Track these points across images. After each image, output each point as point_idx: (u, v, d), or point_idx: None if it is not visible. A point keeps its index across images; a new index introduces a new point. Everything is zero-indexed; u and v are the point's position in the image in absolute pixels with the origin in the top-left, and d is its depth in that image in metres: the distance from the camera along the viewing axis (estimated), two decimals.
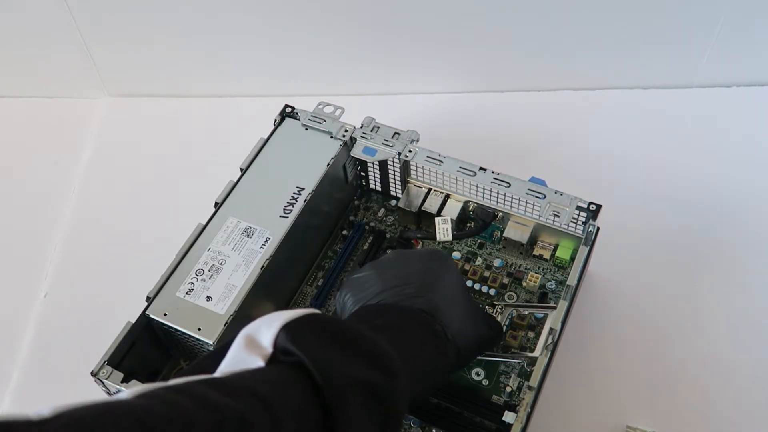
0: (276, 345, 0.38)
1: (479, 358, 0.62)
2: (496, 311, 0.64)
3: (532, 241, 0.68)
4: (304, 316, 0.40)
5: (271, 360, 0.38)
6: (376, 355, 0.40)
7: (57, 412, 0.28)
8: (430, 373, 0.49)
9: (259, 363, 0.38)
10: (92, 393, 0.58)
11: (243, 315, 0.58)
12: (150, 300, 0.59)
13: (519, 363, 0.62)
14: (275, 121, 0.70)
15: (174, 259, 0.61)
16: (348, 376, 0.38)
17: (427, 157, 0.66)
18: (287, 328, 0.39)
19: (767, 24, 0.78)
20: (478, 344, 0.56)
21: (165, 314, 0.58)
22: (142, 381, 0.55)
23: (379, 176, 0.72)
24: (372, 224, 0.73)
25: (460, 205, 0.69)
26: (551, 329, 0.57)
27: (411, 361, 0.45)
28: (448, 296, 0.54)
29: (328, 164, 0.66)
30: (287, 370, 0.38)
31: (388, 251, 0.70)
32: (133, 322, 0.58)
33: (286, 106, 0.70)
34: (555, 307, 0.61)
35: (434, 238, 0.68)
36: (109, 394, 0.58)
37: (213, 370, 0.39)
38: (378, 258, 0.59)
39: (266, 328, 0.39)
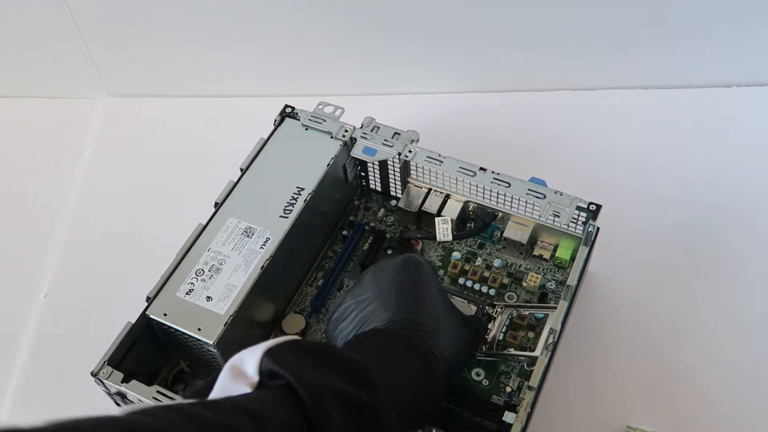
0: (261, 370, 0.40)
1: (479, 358, 0.62)
2: (496, 311, 0.64)
3: (532, 241, 0.68)
4: (284, 341, 0.42)
5: (258, 387, 0.40)
6: (354, 371, 0.42)
7: (50, 423, 0.28)
8: (420, 393, 0.49)
9: (246, 390, 0.40)
10: (92, 393, 0.58)
11: (243, 315, 0.58)
12: (150, 300, 0.59)
13: (519, 363, 0.62)
14: (275, 121, 0.70)
15: (174, 259, 0.61)
16: (327, 389, 0.39)
17: (427, 157, 0.66)
18: (270, 353, 0.40)
19: (767, 24, 0.78)
20: (464, 349, 0.57)
21: (165, 314, 0.57)
22: (143, 381, 0.55)
23: (379, 176, 0.72)
24: (372, 224, 0.73)
25: (460, 205, 0.69)
26: (551, 329, 0.57)
27: (396, 383, 0.45)
28: (428, 310, 0.54)
29: (328, 164, 0.66)
30: (274, 391, 0.39)
31: (388, 251, 0.70)
32: (133, 322, 0.58)
33: (286, 106, 0.70)
34: (555, 307, 0.61)
35: (434, 238, 0.68)
36: (109, 394, 0.58)
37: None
38: (363, 272, 0.59)
39: (249, 357, 0.41)
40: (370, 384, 0.42)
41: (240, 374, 0.40)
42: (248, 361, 0.41)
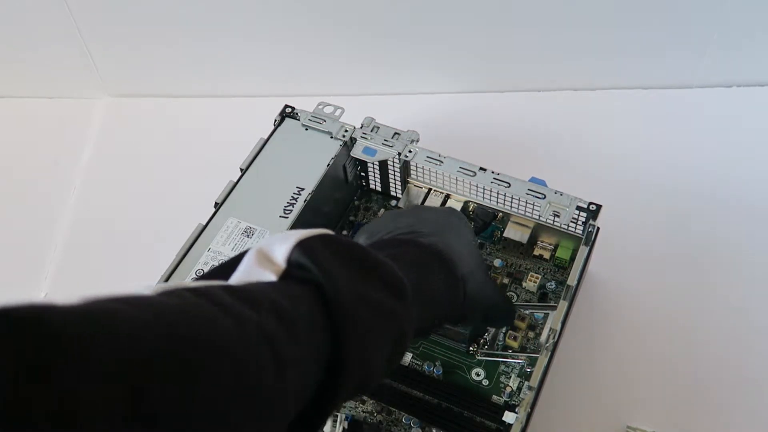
0: (290, 260, 0.38)
1: (479, 358, 0.62)
2: None
3: (532, 241, 0.68)
4: (319, 234, 0.40)
5: (284, 276, 0.38)
6: (388, 279, 0.40)
7: (86, 301, 0.28)
8: (441, 305, 0.49)
9: (271, 278, 0.38)
10: None
11: None
12: None
13: (519, 363, 0.62)
14: (275, 121, 0.70)
15: (174, 259, 0.61)
16: (359, 295, 0.37)
17: (427, 157, 0.66)
18: (302, 245, 0.38)
19: (767, 24, 0.78)
20: (487, 304, 0.54)
21: None
22: None
23: (379, 176, 0.72)
24: None
25: (460, 205, 0.69)
26: (551, 329, 0.57)
27: (423, 290, 0.44)
28: (461, 243, 0.53)
29: (328, 164, 0.66)
30: (301, 285, 0.37)
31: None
32: None
33: (286, 106, 0.71)
34: (555, 307, 0.61)
35: None
36: None
37: (224, 280, 0.38)
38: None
39: (280, 244, 0.38)
40: (402, 296, 0.40)
41: (267, 261, 0.38)
42: (278, 250, 0.38)
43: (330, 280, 0.37)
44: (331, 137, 0.68)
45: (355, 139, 0.67)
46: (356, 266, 0.39)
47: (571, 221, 0.64)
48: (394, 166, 0.70)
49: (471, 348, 0.63)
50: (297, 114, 0.70)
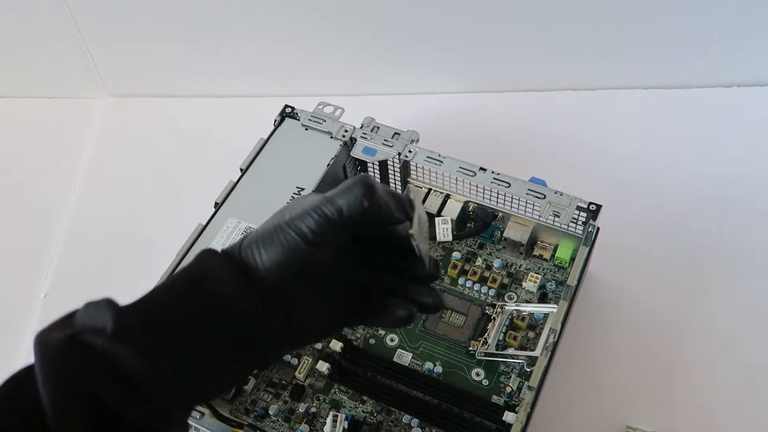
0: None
1: (479, 357, 0.62)
2: (496, 311, 0.64)
3: (532, 241, 0.68)
4: (59, 318, 0.42)
5: None
6: (89, 324, 0.42)
7: None
8: (207, 344, 0.41)
9: None
10: None
11: None
12: None
13: (519, 363, 0.62)
14: (275, 121, 0.70)
15: (174, 259, 0.61)
16: (51, 338, 0.39)
17: (427, 157, 0.66)
18: (37, 338, 0.40)
19: (767, 24, 0.78)
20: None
21: None
22: None
23: (379, 176, 0.72)
24: None
25: (460, 205, 0.69)
26: (551, 329, 0.57)
27: (165, 330, 0.42)
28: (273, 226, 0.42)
29: (328, 164, 0.66)
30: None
31: None
32: None
33: (286, 106, 0.71)
34: (555, 307, 0.61)
35: (434, 238, 0.68)
36: None
37: None
38: None
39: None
40: (106, 334, 0.40)
41: None
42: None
43: (39, 347, 0.38)
44: (331, 137, 0.68)
45: (355, 139, 0.68)
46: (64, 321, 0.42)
47: (571, 221, 0.64)
48: (394, 166, 0.70)
49: (471, 348, 0.63)
50: (297, 114, 0.70)
